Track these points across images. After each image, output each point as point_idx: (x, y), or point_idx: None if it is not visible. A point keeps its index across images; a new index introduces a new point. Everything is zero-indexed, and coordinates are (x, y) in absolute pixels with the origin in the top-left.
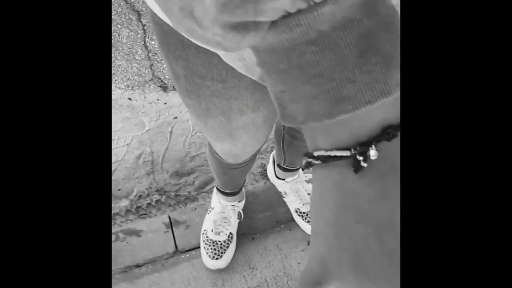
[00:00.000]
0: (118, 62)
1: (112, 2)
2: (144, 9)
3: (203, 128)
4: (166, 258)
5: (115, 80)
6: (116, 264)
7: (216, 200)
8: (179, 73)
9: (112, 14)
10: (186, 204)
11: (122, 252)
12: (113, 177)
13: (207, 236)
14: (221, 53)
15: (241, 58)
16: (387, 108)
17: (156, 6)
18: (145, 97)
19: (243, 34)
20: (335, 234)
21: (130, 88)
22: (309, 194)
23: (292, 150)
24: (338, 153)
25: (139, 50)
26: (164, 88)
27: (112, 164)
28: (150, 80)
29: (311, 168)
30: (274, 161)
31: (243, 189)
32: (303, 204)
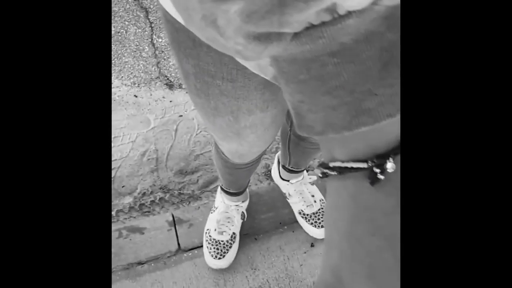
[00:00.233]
0: (125, 59)
1: None
2: (152, 6)
3: (210, 127)
4: (168, 256)
5: (122, 76)
6: (119, 261)
7: (220, 199)
8: (189, 71)
9: (120, 11)
10: (189, 202)
11: (124, 249)
12: (117, 174)
13: (210, 236)
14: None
15: None
16: None
17: (168, 3)
18: (151, 95)
19: (266, 45)
20: (350, 246)
21: (136, 85)
22: (313, 196)
23: (298, 151)
24: (355, 165)
25: (146, 47)
26: (170, 86)
27: (117, 161)
28: (157, 78)
29: (326, 178)
30: (278, 162)
31: (247, 190)
32: (307, 206)
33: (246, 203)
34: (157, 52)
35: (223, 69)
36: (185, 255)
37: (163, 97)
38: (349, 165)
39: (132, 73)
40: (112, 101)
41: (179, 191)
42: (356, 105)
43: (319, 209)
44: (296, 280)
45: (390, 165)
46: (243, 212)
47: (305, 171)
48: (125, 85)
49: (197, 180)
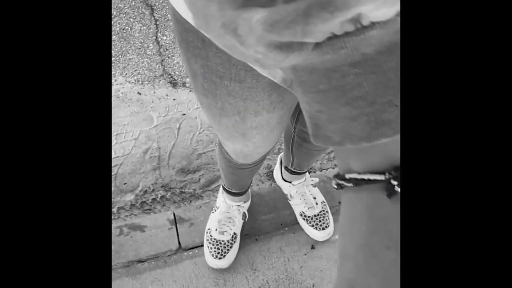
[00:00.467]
0: (129, 56)
1: None
2: (157, 4)
3: (216, 127)
4: (169, 255)
5: (125, 73)
6: (119, 258)
7: (222, 199)
8: (197, 71)
9: (125, 7)
10: (191, 201)
11: (125, 246)
12: (119, 171)
13: (211, 235)
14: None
15: None
16: None
17: (178, 4)
18: (154, 92)
19: (287, 54)
20: (365, 259)
21: (140, 82)
22: (314, 198)
23: (301, 153)
24: (372, 177)
25: (151, 45)
26: (174, 84)
27: (119, 158)
28: (160, 76)
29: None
30: (281, 163)
31: (249, 190)
32: (308, 208)
33: (248, 203)
34: (161, 50)
35: (231, 70)
36: (185, 254)
37: (167, 95)
38: (366, 177)
39: (136, 70)
40: (116, 98)
41: (181, 190)
42: (377, 116)
43: (320, 211)
44: (296, 282)
45: None
46: (244, 213)
47: (307, 173)
48: (129, 82)
49: (199, 179)
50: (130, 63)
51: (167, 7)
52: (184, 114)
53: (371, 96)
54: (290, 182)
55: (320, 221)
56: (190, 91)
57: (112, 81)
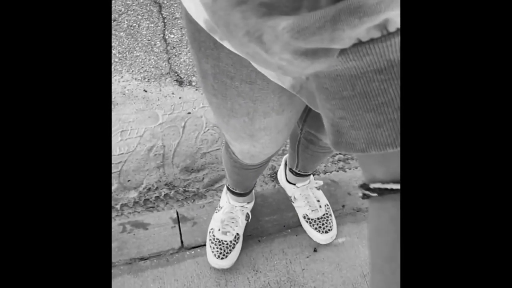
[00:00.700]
0: (136, 53)
1: None
2: (165, 1)
3: (223, 127)
4: (171, 254)
5: (132, 70)
6: (121, 255)
7: (225, 199)
8: (208, 72)
9: (133, 4)
10: (194, 200)
11: (128, 243)
12: (123, 168)
13: (213, 235)
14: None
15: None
16: None
17: (190, 6)
18: (160, 90)
19: (312, 60)
20: (392, 271)
21: (146, 80)
22: (318, 201)
23: (307, 155)
24: (395, 186)
25: (158, 42)
26: (180, 82)
27: (123, 155)
28: (167, 74)
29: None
30: (285, 165)
31: (253, 191)
32: (312, 211)
33: (251, 204)
34: (168, 48)
35: (242, 71)
36: (187, 253)
37: (173, 93)
38: (389, 186)
39: (142, 67)
40: (122, 95)
41: (184, 189)
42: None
43: (323, 214)
44: (297, 285)
45: None
46: (247, 213)
47: (311, 175)
48: (135, 79)
49: (203, 178)
50: (137, 60)
51: (175, 5)
52: (189, 113)
53: (396, 102)
54: (294, 184)
55: (323, 224)
56: (196, 89)
57: (119, 78)
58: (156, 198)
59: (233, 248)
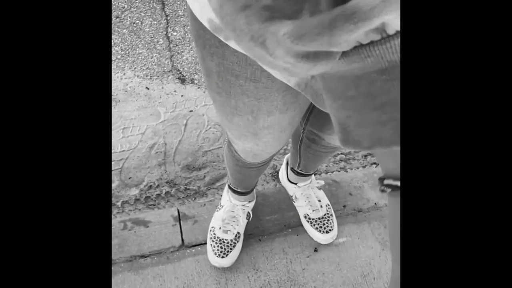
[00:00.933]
0: (139, 50)
1: None
2: None
3: (227, 125)
4: (171, 251)
5: (134, 68)
6: (122, 252)
7: (227, 198)
8: (213, 70)
9: (136, 1)
10: (195, 198)
11: (128, 241)
12: (124, 165)
13: (214, 234)
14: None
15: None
16: None
17: (194, 6)
18: (162, 88)
19: (314, 63)
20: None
21: (149, 77)
22: (319, 200)
23: (309, 154)
24: None
25: (161, 40)
26: (182, 80)
27: (125, 152)
28: (169, 71)
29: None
30: (287, 164)
31: (254, 190)
32: (313, 211)
33: (252, 203)
34: (171, 45)
35: (247, 69)
36: (188, 251)
37: (175, 91)
38: (399, 183)
39: (145, 65)
40: (124, 92)
41: (185, 187)
42: None
43: (324, 214)
44: (298, 284)
45: None
46: (248, 212)
47: (313, 175)
48: (138, 76)
49: (204, 177)
50: (140, 57)
51: (178, 2)
52: (191, 111)
53: (399, 101)
54: (296, 184)
55: (324, 224)
56: (198, 88)
57: (121, 75)
58: (157, 196)
59: (234, 247)
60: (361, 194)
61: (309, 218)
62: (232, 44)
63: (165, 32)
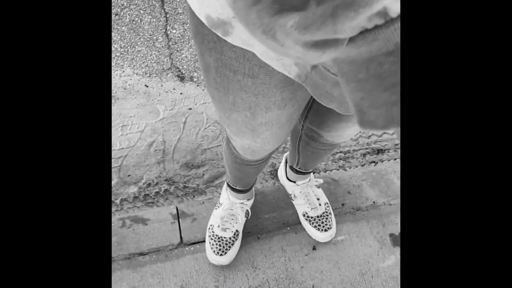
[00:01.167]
0: (138, 48)
1: None
2: None
3: (225, 121)
4: (170, 249)
5: (134, 65)
6: (121, 250)
7: (225, 196)
8: (211, 65)
9: None
10: (194, 196)
11: (127, 239)
12: (123, 163)
13: (213, 231)
14: (258, 51)
15: (279, 57)
16: None
17: (193, 2)
18: (161, 85)
19: (323, 50)
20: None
21: (148, 75)
22: (318, 199)
23: (307, 152)
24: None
25: (160, 37)
26: (182, 78)
27: (124, 150)
28: (168, 69)
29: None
30: (286, 162)
31: (253, 188)
32: (312, 209)
33: (251, 201)
34: (170, 43)
35: (245, 65)
36: (186, 249)
37: (174, 89)
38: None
39: (144, 62)
40: (123, 90)
41: (184, 184)
42: None
43: (323, 213)
44: (296, 282)
45: None
46: (247, 210)
47: (312, 173)
48: (137, 74)
49: (203, 175)
50: (139, 55)
51: (178, 0)
52: (190, 109)
53: None
54: (294, 182)
55: (322, 223)
56: (197, 85)
57: (120, 72)
58: (156, 194)
59: (232, 244)
60: (360, 192)
61: (308, 216)
62: (230, 39)
63: (164, 30)
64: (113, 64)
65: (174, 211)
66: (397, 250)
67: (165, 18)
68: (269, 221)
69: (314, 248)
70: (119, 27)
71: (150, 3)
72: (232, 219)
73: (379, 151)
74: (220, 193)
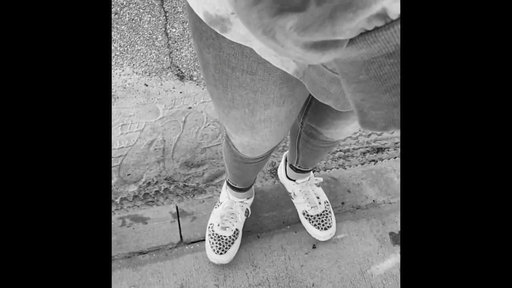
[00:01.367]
0: (138, 46)
1: None
2: None
3: (224, 118)
4: (170, 248)
5: (133, 64)
6: (120, 249)
7: (225, 195)
8: (209, 61)
9: None
10: (194, 195)
11: (127, 238)
12: (123, 162)
13: (213, 230)
14: (256, 48)
15: (277, 53)
16: None
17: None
18: (161, 84)
19: (323, 52)
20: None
21: (147, 74)
22: (318, 197)
23: (307, 150)
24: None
25: (160, 36)
26: (181, 77)
27: (123, 149)
28: (168, 68)
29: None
30: (285, 161)
31: (252, 187)
32: (311, 207)
33: (251, 200)
34: (170, 42)
35: (244, 61)
36: (186, 247)
37: (174, 88)
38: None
39: (144, 61)
40: (122, 89)
41: (184, 183)
42: None
43: (323, 211)
44: (296, 281)
45: None
46: (247, 209)
47: (311, 172)
48: (136, 73)
49: (203, 173)
50: (138, 54)
51: None
52: (190, 108)
53: None
54: (294, 181)
55: (322, 221)
56: (197, 84)
57: (120, 71)
58: (156, 193)
59: (232, 243)
60: (360, 191)
61: (308, 215)
62: (229, 36)
63: (164, 29)
64: (112, 63)
65: (174, 210)
66: (397, 249)
67: (164, 17)
68: (269, 220)
69: (314, 247)
70: (118, 26)
71: (150, 2)
72: (232, 217)
73: (379, 149)
74: (220, 192)
